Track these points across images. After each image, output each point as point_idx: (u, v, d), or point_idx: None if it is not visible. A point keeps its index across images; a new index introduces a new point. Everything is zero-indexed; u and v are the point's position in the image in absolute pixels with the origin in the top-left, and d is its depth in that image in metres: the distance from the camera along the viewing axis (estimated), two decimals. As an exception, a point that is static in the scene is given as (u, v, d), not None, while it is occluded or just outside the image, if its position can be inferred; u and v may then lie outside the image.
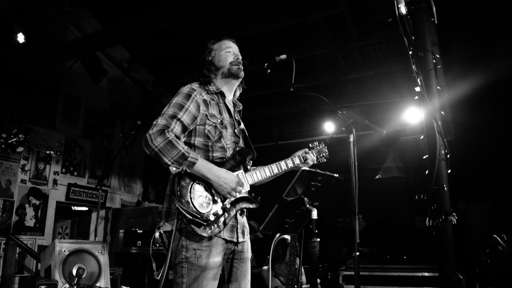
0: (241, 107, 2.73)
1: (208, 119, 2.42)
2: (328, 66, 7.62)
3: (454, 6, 5.71)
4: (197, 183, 2.28)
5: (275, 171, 2.60)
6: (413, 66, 4.17)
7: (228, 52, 2.63)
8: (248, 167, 2.54)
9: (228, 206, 2.33)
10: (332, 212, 9.49)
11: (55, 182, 7.21)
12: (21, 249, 6.06)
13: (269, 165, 2.59)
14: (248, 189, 2.46)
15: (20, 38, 6.24)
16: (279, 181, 2.69)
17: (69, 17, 7.25)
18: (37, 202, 6.88)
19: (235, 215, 2.39)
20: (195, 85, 2.50)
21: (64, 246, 4.40)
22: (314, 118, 8.45)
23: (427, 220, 3.86)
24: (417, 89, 4.18)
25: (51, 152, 7.15)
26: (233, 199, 2.36)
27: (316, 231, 2.30)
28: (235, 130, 2.55)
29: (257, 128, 8.98)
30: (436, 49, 5.41)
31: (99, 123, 8.23)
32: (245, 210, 2.49)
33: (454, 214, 3.82)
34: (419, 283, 5.41)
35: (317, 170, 2.37)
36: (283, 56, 2.57)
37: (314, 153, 2.80)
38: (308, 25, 6.69)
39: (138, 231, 5.59)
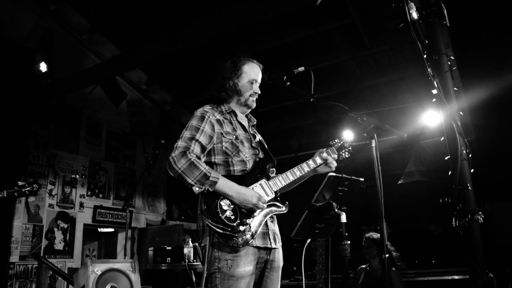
0: (255, 122, 2.82)
1: (223, 136, 2.53)
2: (342, 75, 7.66)
3: (467, 7, 5.70)
4: (223, 199, 2.37)
5: (298, 173, 2.66)
6: (429, 69, 4.20)
7: (252, 85, 2.71)
8: (271, 174, 2.61)
9: (256, 214, 2.41)
10: (356, 220, 9.37)
11: (81, 205, 7.37)
12: (53, 272, 6.19)
13: (290, 170, 2.66)
14: (274, 195, 2.53)
15: (43, 67, 6.48)
16: (306, 188, 2.74)
17: (87, 44, 7.48)
18: (65, 226, 7.04)
19: (266, 222, 2.46)
20: (207, 107, 2.62)
21: (96, 266, 4.50)
22: (332, 127, 8.44)
23: (453, 221, 3.86)
24: (434, 91, 4.21)
25: (77, 175, 7.33)
26: (259, 210, 2.43)
27: (347, 234, 2.34)
28: (252, 144, 2.64)
29: (276, 141, 9.02)
30: (450, 51, 5.43)
31: (121, 145, 8.39)
32: (275, 216, 2.56)
33: (480, 213, 3.81)
34: (449, 286, 5.34)
35: (343, 175, 2.43)
36: (301, 68, 2.66)
37: (335, 150, 2.84)
38: (320, 36, 6.76)
39: (167, 248, 5.68)
